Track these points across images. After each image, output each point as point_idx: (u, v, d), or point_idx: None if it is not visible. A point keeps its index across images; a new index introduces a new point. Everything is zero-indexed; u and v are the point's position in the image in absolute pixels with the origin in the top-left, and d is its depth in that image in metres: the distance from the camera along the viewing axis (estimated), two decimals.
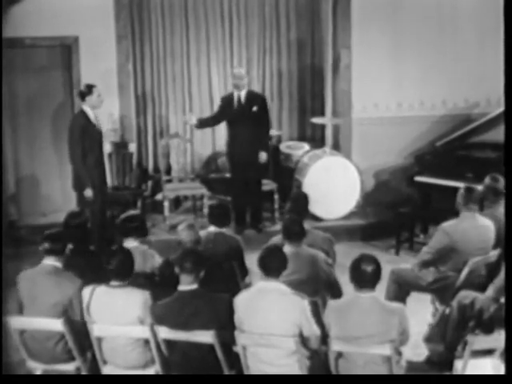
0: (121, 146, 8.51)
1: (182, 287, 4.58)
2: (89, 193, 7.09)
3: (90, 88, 7.17)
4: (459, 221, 5.70)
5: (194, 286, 4.57)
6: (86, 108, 7.16)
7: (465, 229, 5.62)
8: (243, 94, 7.85)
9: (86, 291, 4.76)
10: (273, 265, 4.55)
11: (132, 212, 6.05)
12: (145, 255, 5.38)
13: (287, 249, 5.02)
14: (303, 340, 4.47)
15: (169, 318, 4.54)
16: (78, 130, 7.08)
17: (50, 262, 4.89)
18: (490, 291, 5.08)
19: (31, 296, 4.84)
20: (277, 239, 5.54)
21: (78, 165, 7.10)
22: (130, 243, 5.37)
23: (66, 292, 4.78)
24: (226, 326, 4.51)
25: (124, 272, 4.71)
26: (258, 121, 7.86)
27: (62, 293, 4.78)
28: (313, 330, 4.50)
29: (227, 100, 7.96)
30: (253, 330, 4.46)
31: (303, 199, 5.98)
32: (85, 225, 5.66)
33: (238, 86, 7.84)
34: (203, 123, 8.15)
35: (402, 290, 5.82)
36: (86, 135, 7.09)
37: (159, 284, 5.22)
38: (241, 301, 4.57)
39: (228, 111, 7.92)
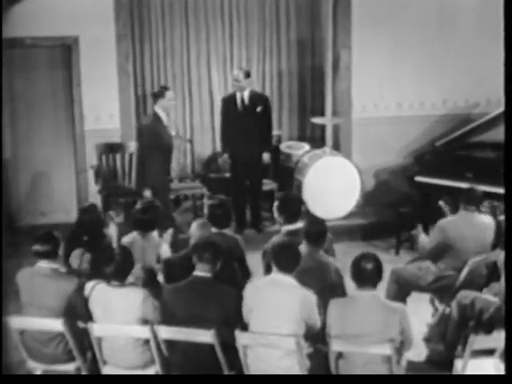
0: (120, 146, 8.50)
1: (198, 273, 4.66)
2: (147, 193, 7.13)
3: (162, 90, 7.27)
4: (457, 218, 5.76)
5: (209, 275, 4.65)
6: (158, 110, 7.20)
7: (462, 226, 5.68)
8: (246, 94, 7.83)
9: (89, 285, 4.78)
10: (287, 261, 4.59)
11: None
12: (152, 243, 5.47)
13: (303, 249, 5.02)
14: (308, 334, 4.51)
15: (179, 300, 4.59)
16: (146, 130, 7.16)
17: (45, 264, 4.86)
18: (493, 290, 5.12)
19: (30, 298, 4.83)
20: (277, 239, 5.54)
21: (143, 165, 7.21)
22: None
23: (64, 294, 4.76)
24: (231, 320, 4.54)
25: (122, 273, 4.71)
26: (261, 121, 7.86)
27: (60, 296, 4.76)
28: (317, 325, 4.57)
29: (229, 101, 7.92)
30: (261, 321, 4.50)
31: (295, 201, 5.90)
32: (98, 219, 5.66)
33: (237, 88, 7.82)
34: (226, 143, 8.00)
35: (402, 289, 5.83)
36: (154, 136, 7.11)
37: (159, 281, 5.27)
38: (252, 288, 4.64)
39: (232, 112, 7.88)
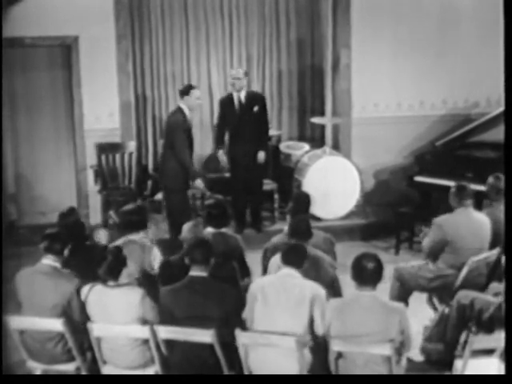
0: (120, 146, 8.50)
1: (193, 273, 4.67)
2: (199, 183, 7.39)
3: (188, 88, 7.34)
4: (453, 215, 5.78)
5: (205, 274, 4.67)
6: (183, 106, 7.30)
7: (458, 222, 5.70)
8: (243, 94, 7.83)
9: (85, 288, 4.77)
10: (295, 259, 4.69)
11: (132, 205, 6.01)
12: (144, 249, 5.41)
13: None
14: (312, 328, 4.53)
15: (178, 301, 4.61)
16: (179, 124, 7.25)
17: (48, 261, 4.89)
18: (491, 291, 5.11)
19: (29, 297, 4.84)
20: (277, 238, 5.55)
21: (186, 158, 7.30)
22: (134, 235, 5.41)
23: (64, 293, 4.78)
24: (231, 318, 4.56)
25: (114, 272, 4.71)
26: (258, 121, 7.86)
27: (60, 294, 4.77)
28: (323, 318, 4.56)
29: (227, 102, 7.93)
30: (266, 316, 4.53)
31: (305, 199, 5.98)
32: (78, 222, 5.66)
33: (236, 86, 7.81)
34: (219, 142, 8.13)
35: (404, 288, 5.85)
36: (181, 128, 7.27)
37: (157, 283, 5.24)
38: (259, 283, 4.70)
39: (229, 113, 7.90)
